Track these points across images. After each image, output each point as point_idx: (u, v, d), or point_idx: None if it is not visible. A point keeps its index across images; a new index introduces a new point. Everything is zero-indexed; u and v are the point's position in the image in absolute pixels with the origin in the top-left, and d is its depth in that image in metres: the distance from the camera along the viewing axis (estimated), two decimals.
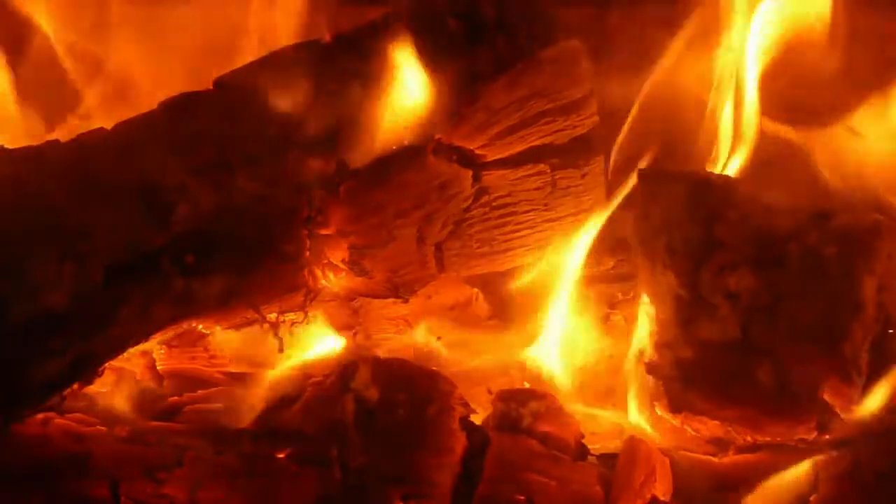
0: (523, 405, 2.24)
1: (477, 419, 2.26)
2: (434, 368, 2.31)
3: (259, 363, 2.37)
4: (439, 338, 2.44)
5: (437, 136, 2.33)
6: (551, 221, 2.41)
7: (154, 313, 2.14)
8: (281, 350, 2.33)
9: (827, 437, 2.17)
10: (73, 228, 2.09)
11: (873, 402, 2.18)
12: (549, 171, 2.40)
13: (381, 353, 2.36)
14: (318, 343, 2.39)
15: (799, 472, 2.18)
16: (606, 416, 2.37)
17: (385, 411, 2.18)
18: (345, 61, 2.33)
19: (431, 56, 2.33)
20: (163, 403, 2.32)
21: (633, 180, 2.39)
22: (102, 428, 2.19)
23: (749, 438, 2.21)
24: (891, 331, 2.26)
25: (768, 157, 2.51)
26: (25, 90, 2.65)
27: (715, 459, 2.25)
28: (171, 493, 2.10)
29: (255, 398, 2.30)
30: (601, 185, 2.44)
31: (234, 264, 2.20)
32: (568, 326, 2.40)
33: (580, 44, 2.39)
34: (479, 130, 2.35)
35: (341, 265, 2.31)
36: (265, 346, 2.34)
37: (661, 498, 2.17)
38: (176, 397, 2.33)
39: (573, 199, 2.42)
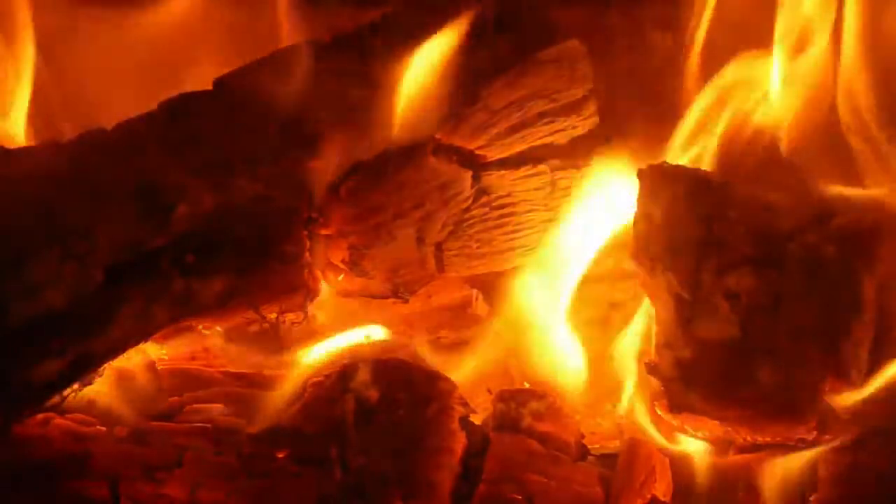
0: (523, 405, 2.24)
1: (477, 419, 2.26)
2: (434, 368, 2.31)
3: (259, 363, 2.37)
4: (439, 338, 2.44)
5: (437, 137, 2.33)
6: (551, 221, 2.41)
7: (154, 313, 2.15)
8: (281, 350, 2.34)
9: (827, 437, 2.17)
10: (73, 228, 2.09)
11: (873, 401, 2.18)
12: (549, 171, 2.41)
13: (381, 353, 2.36)
14: (317, 343, 2.39)
15: (799, 471, 2.18)
16: (606, 416, 2.37)
17: (385, 411, 2.18)
18: (345, 61, 2.33)
19: (430, 56, 2.33)
20: (163, 403, 2.31)
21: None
22: (102, 428, 2.20)
23: (749, 438, 2.21)
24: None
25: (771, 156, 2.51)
26: None
27: (715, 459, 2.25)
28: (171, 493, 2.10)
29: (256, 398, 2.30)
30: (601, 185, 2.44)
31: (234, 264, 2.20)
32: (568, 326, 2.40)
33: (580, 44, 2.39)
34: (479, 130, 2.35)
35: (341, 265, 2.31)
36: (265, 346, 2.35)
37: (661, 498, 2.17)
38: (176, 397, 2.33)
39: (573, 199, 2.42)
